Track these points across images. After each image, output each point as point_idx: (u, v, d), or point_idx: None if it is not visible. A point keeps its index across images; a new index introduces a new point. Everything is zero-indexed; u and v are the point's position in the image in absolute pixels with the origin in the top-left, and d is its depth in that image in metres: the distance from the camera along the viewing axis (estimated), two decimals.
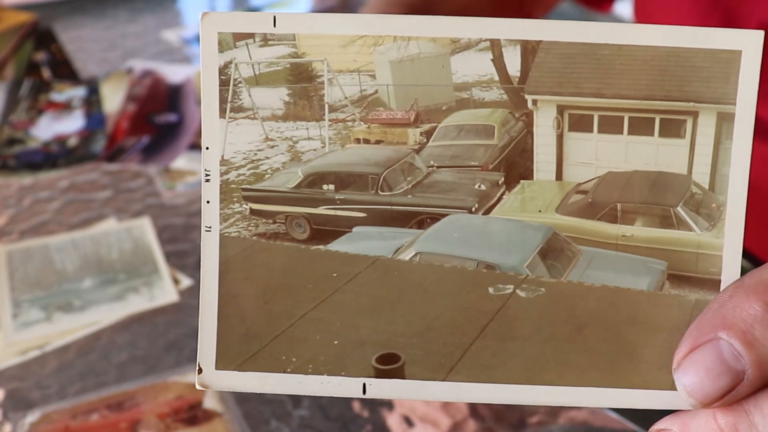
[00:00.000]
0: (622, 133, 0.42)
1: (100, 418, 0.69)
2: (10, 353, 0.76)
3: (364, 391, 0.42)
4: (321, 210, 0.44)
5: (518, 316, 0.42)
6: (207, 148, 0.43)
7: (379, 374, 0.42)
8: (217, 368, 0.43)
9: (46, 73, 1.24)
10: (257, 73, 0.43)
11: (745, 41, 0.40)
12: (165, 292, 0.82)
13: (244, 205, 0.44)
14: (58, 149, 1.06)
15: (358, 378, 0.42)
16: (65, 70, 1.25)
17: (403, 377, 0.42)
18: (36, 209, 0.96)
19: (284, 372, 0.42)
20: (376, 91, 0.43)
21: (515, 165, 0.43)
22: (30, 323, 0.79)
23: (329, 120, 0.43)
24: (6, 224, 0.93)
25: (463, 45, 0.42)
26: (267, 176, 0.44)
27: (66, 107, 1.15)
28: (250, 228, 0.44)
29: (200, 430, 0.67)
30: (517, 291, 0.43)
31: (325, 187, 0.44)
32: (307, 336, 0.43)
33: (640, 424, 0.65)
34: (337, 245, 0.44)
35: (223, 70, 0.42)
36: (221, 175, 0.43)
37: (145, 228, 0.91)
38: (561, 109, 0.42)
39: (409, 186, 0.44)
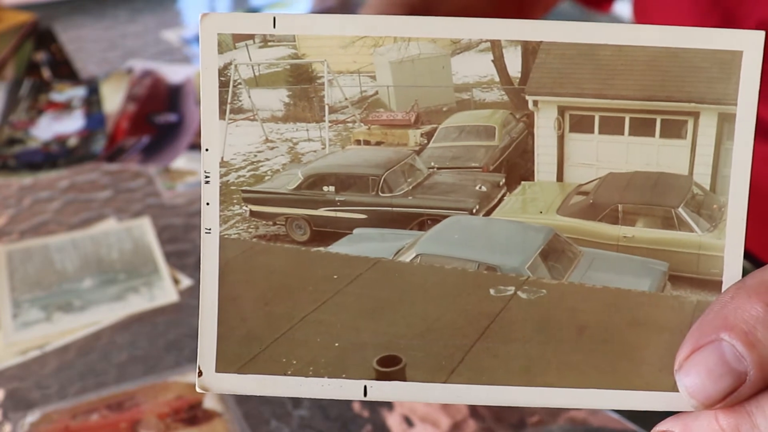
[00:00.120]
0: (623, 133, 0.42)
1: (100, 418, 0.69)
2: (10, 353, 0.76)
3: (365, 394, 0.42)
4: (321, 212, 0.44)
5: (519, 318, 0.42)
6: (207, 150, 0.43)
7: (380, 376, 0.42)
8: (217, 371, 0.43)
9: (46, 73, 1.24)
10: (257, 74, 0.43)
11: (746, 42, 0.40)
12: (165, 292, 0.82)
13: (244, 207, 0.44)
14: (58, 149, 1.06)
15: (359, 380, 0.42)
16: (65, 70, 1.25)
17: (404, 379, 0.42)
18: (36, 209, 0.95)
19: (285, 374, 0.42)
20: (377, 92, 0.43)
21: (516, 166, 0.43)
22: (30, 323, 0.79)
23: (329, 121, 0.43)
24: (6, 224, 0.93)
25: (463, 46, 0.41)
26: (267, 178, 0.44)
27: (66, 107, 1.15)
28: (250, 230, 0.44)
29: (200, 430, 0.67)
30: (519, 292, 0.43)
31: (325, 188, 0.44)
32: (308, 338, 0.43)
33: (640, 424, 0.65)
34: (338, 247, 0.44)
35: (222, 72, 0.42)
36: (221, 176, 0.43)
37: (145, 228, 0.91)
38: (562, 110, 0.42)
39: (410, 187, 0.44)
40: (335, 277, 0.43)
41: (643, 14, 0.88)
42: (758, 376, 0.37)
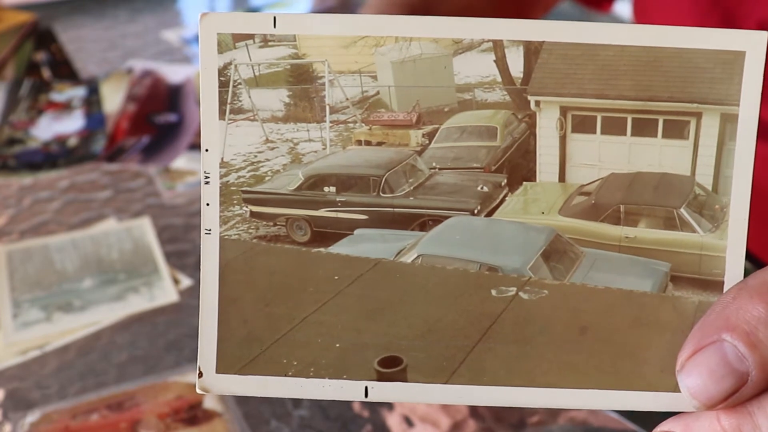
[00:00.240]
0: (625, 134, 0.42)
1: (100, 418, 0.68)
2: (10, 353, 0.76)
3: (366, 395, 0.42)
4: (322, 212, 0.44)
5: (521, 319, 0.42)
6: (206, 150, 0.42)
7: (381, 377, 0.42)
8: (217, 372, 0.43)
9: (46, 73, 1.24)
10: (257, 74, 0.43)
11: (749, 42, 0.40)
12: (165, 292, 0.82)
13: (245, 208, 0.43)
14: (58, 149, 1.06)
15: (359, 381, 0.42)
16: (65, 70, 1.25)
17: (405, 380, 0.42)
18: (36, 209, 0.95)
19: (285, 376, 0.42)
20: (378, 93, 0.43)
21: (518, 166, 0.43)
22: (30, 323, 0.79)
23: (330, 121, 0.43)
24: (6, 224, 0.93)
25: (465, 46, 0.41)
26: (267, 178, 0.44)
27: (66, 107, 1.14)
28: (250, 230, 0.44)
29: (200, 430, 0.67)
30: (520, 293, 0.42)
31: (326, 189, 0.44)
32: (309, 339, 0.42)
33: (640, 424, 0.65)
34: (339, 248, 0.43)
35: (222, 72, 0.42)
36: (221, 177, 0.43)
37: (145, 228, 0.91)
38: (564, 111, 0.42)
39: (411, 188, 0.44)
40: (336, 277, 0.43)
41: (643, 14, 0.88)
42: (760, 377, 0.37)
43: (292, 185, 0.44)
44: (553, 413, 0.67)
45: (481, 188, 0.44)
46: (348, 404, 0.69)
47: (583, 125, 0.42)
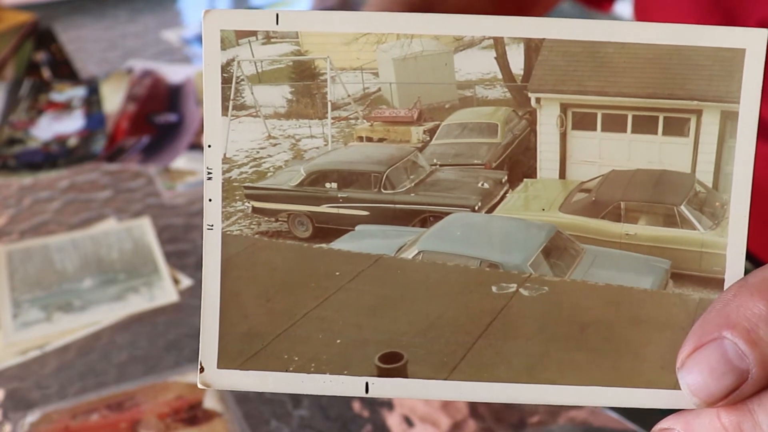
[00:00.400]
0: (625, 131, 0.42)
1: (100, 418, 0.68)
2: (10, 353, 0.76)
3: (367, 390, 0.42)
4: (324, 208, 0.44)
5: (521, 315, 0.42)
6: (209, 146, 0.43)
7: (382, 373, 0.42)
8: (219, 367, 0.43)
9: (46, 73, 1.24)
10: (260, 70, 0.43)
11: (749, 39, 0.40)
12: (165, 292, 0.82)
13: (246, 203, 0.43)
14: (58, 149, 1.06)
15: (360, 377, 0.42)
16: (65, 70, 1.25)
17: (405, 376, 0.42)
18: (36, 209, 0.95)
19: (286, 371, 0.42)
20: (379, 89, 0.43)
21: (518, 163, 0.43)
22: (30, 323, 0.79)
23: (332, 118, 0.43)
24: (6, 224, 0.93)
25: (466, 43, 0.41)
26: (269, 174, 0.44)
27: (66, 107, 1.15)
28: (252, 226, 0.44)
29: (200, 430, 0.67)
30: (520, 290, 0.42)
31: (327, 185, 0.44)
32: (310, 335, 0.42)
33: (640, 423, 0.65)
34: (340, 244, 0.44)
35: (225, 68, 0.42)
36: (223, 173, 0.43)
37: (145, 228, 0.91)
38: (564, 108, 0.42)
39: (412, 184, 0.44)
40: (337, 273, 0.43)
41: (644, 14, 0.88)
42: (760, 374, 0.37)
43: (294, 181, 0.44)
44: (553, 413, 0.67)
45: (482, 185, 0.44)
46: (348, 404, 0.69)
47: (584, 122, 0.42)
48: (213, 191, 0.43)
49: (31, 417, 0.69)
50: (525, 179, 0.43)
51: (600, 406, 0.66)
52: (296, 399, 0.69)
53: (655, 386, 0.41)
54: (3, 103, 1.15)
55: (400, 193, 0.44)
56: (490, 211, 0.43)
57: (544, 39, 0.41)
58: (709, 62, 0.40)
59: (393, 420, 0.67)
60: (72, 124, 1.11)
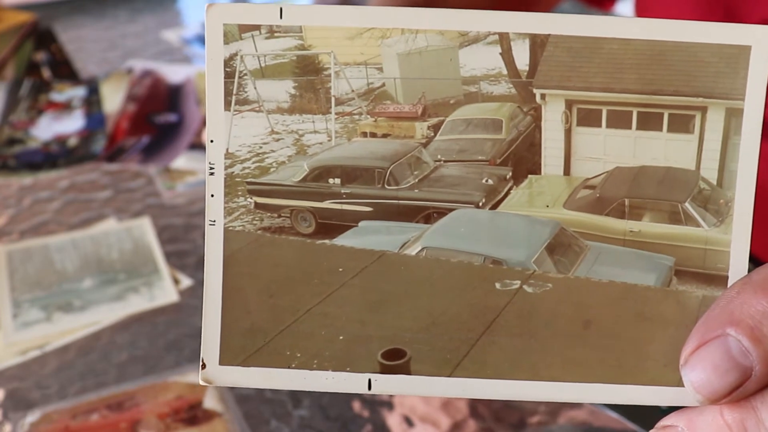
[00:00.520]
0: (630, 128, 0.42)
1: (100, 418, 0.68)
2: (10, 353, 0.76)
3: (370, 387, 0.42)
4: (327, 204, 0.44)
5: (525, 312, 0.42)
6: (212, 141, 0.42)
7: (385, 370, 0.42)
8: (221, 363, 0.42)
9: (46, 73, 1.24)
10: (263, 65, 0.43)
11: (755, 36, 0.40)
12: (165, 292, 0.82)
13: (249, 199, 0.43)
14: (58, 149, 1.06)
15: (363, 374, 0.42)
16: (65, 70, 1.25)
17: (408, 373, 0.42)
18: (36, 209, 0.95)
19: (289, 367, 0.42)
20: (384, 84, 0.43)
21: (523, 159, 0.43)
22: (30, 323, 0.78)
23: (336, 113, 0.43)
24: (6, 224, 0.93)
25: (471, 38, 0.41)
26: (272, 170, 0.44)
27: (66, 107, 1.14)
28: (254, 222, 0.44)
29: (200, 430, 0.67)
30: (524, 286, 0.42)
31: (331, 180, 0.44)
32: (313, 331, 0.42)
33: (640, 423, 0.65)
34: (343, 240, 0.43)
35: (228, 62, 0.42)
36: (226, 168, 0.43)
37: (145, 228, 0.90)
38: (569, 104, 0.42)
39: (416, 180, 0.44)
40: (340, 269, 0.43)
41: (644, 12, 0.88)
42: (764, 372, 0.37)
43: (297, 177, 0.44)
44: (553, 413, 0.67)
45: (486, 181, 0.43)
46: (348, 404, 0.69)
47: (589, 118, 0.42)
48: (215, 187, 0.42)
49: (31, 417, 0.68)
50: (529, 175, 0.43)
51: (601, 405, 0.66)
52: (296, 399, 0.69)
53: (659, 383, 0.41)
54: (3, 103, 1.15)
55: (404, 189, 0.44)
56: (494, 207, 0.43)
57: (549, 35, 0.41)
58: (715, 59, 0.40)
59: (393, 420, 0.67)
60: (72, 124, 1.11)
